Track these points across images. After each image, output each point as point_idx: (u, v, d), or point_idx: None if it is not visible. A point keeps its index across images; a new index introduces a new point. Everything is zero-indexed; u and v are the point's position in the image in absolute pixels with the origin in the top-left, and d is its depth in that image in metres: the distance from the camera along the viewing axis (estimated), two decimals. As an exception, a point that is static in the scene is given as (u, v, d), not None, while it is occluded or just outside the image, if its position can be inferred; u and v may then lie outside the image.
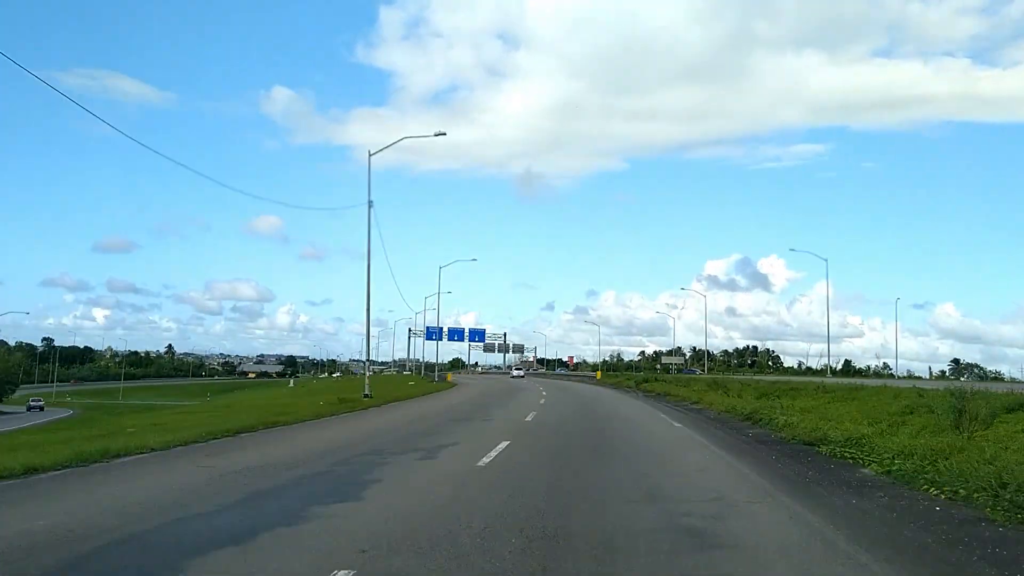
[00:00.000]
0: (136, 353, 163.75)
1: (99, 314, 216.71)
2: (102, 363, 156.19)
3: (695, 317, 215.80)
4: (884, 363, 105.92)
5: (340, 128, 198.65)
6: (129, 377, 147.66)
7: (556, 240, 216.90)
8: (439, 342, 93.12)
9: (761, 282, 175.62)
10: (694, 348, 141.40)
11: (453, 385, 53.23)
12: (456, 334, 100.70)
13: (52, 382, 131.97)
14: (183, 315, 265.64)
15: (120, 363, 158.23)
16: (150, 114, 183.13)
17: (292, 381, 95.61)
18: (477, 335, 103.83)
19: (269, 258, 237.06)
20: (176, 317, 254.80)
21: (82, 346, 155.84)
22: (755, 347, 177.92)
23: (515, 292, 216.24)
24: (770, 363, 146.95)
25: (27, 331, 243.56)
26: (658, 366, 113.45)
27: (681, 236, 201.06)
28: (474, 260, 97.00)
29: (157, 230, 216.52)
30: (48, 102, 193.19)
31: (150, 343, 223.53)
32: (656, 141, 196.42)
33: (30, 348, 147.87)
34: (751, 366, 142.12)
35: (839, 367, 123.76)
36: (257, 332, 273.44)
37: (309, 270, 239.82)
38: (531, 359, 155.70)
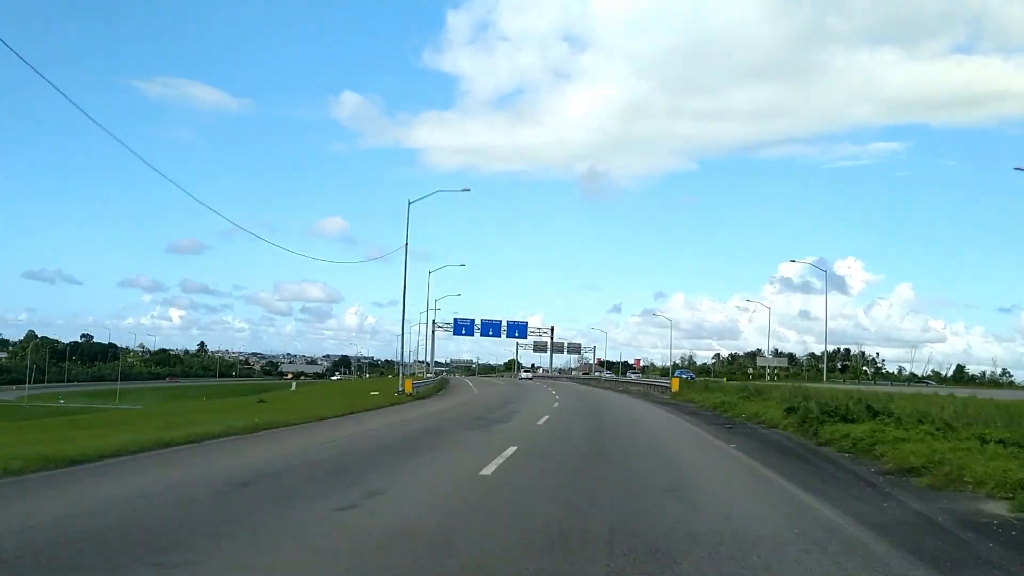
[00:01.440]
0: (165, 351, 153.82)
1: (175, 314, 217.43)
2: (128, 359, 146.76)
3: (767, 320, 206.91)
4: (1003, 369, 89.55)
5: (407, 132, 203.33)
6: (153, 376, 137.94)
7: (623, 242, 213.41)
8: (450, 337, 76.99)
9: (837, 284, 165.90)
10: (776, 350, 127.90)
11: (414, 399, 35.56)
12: (491, 328, 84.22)
13: (65, 381, 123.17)
14: (254, 316, 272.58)
15: (147, 361, 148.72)
16: (225, 120, 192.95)
17: (295, 384, 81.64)
18: (517, 329, 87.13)
19: (336, 259, 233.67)
20: (247, 318, 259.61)
21: (106, 342, 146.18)
22: (846, 350, 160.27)
23: (581, 294, 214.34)
24: (864, 368, 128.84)
25: (108, 331, 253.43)
26: (750, 370, 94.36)
27: (752, 238, 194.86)
28: (462, 266, 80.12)
29: (227, 232, 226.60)
30: (129, 108, 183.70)
31: (225, 342, 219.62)
32: (725, 141, 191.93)
33: (53, 344, 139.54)
34: (842, 371, 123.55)
35: (949, 374, 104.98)
36: (326, 333, 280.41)
37: (374, 271, 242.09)
38: (588, 361, 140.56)
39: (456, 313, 79.86)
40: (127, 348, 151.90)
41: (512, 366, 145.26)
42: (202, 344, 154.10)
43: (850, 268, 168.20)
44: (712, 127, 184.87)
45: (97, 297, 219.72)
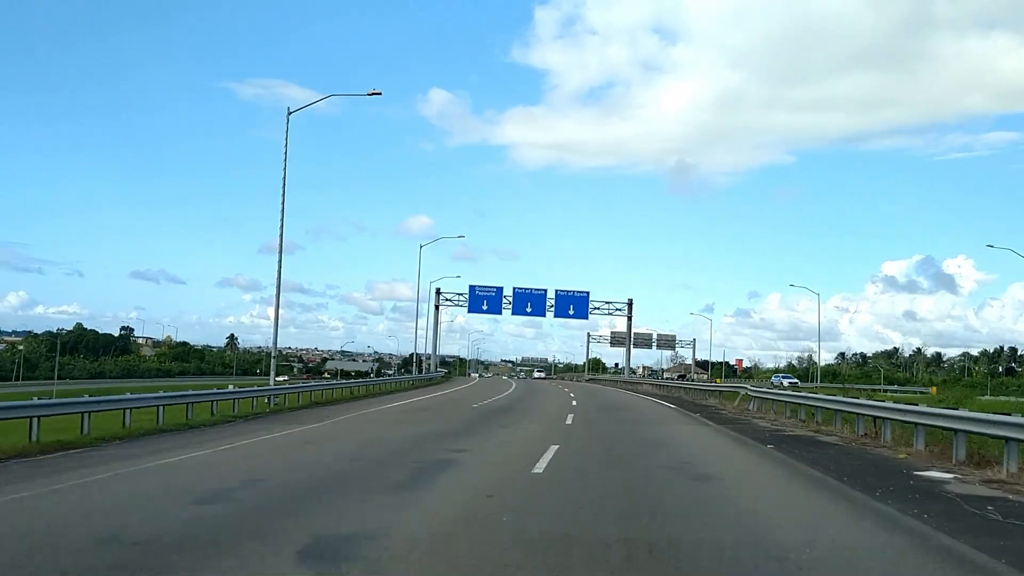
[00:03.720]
0: (186, 344, 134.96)
1: (272, 313, 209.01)
2: (142, 352, 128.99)
3: (869, 320, 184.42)
4: None
5: (495, 129, 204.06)
6: (164, 373, 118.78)
7: (715, 239, 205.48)
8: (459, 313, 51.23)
9: (946, 284, 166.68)
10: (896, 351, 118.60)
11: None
12: (528, 301, 57.99)
13: (54, 378, 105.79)
14: (347, 315, 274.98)
15: (161, 356, 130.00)
16: (315, 119, 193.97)
17: (274, 380, 58.06)
18: (571, 304, 60.52)
19: (424, 258, 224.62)
20: (341, 317, 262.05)
21: (117, 333, 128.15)
22: (1012, 350, 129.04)
23: (672, 293, 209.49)
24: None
25: (211, 329, 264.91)
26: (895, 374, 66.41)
27: (854, 234, 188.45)
28: (461, 237, 54.54)
29: (315, 232, 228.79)
30: (224, 109, 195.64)
31: (321, 342, 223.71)
32: (825, 132, 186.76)
33: (54, 336, 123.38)
34: (1009, 374, 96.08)
35: None
36: (418, 332, 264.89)
37: (461, 270, 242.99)
38: (684, 360, 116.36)
39: (478, 283, 54.34)
40: (147, 338, 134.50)
41: (593, 367, 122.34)
42: (232, 336, 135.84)
43: (960, 267, 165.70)
44: (811, 118, 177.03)
45: (199, 296, 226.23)
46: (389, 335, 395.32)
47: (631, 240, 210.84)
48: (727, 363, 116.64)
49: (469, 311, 59.55)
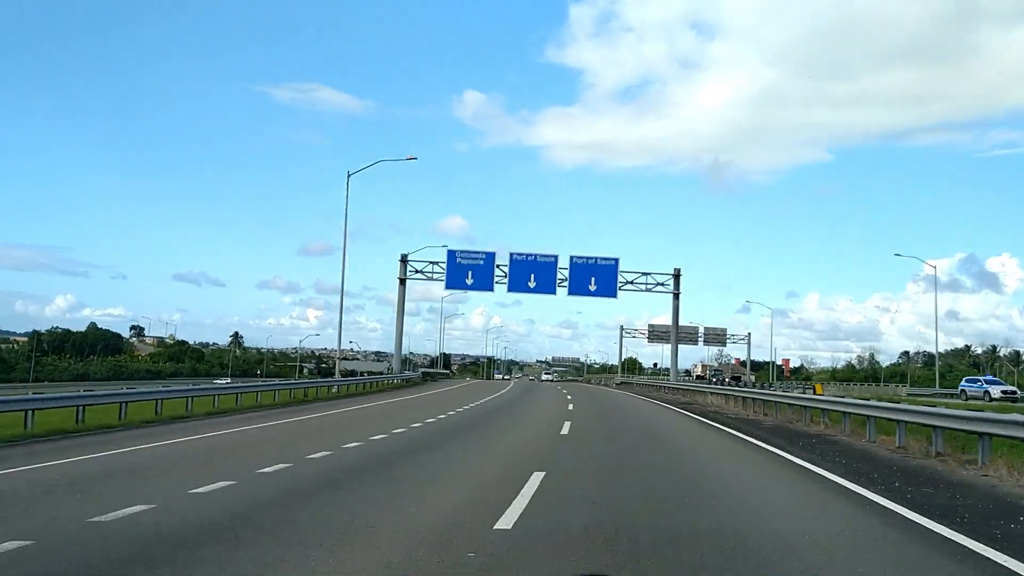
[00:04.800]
0: (184, 343, 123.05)
1: (311, 314, 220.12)
2: (136, 352, 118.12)
3: (911, 321, 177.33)
4: None
5: (530, 129, 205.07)
6: (155, 374, 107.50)
7: (753, 238, 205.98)
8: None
9: (990, 282, 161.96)
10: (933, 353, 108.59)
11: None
12: (532, 272, 42.35)
13: (31, 380, 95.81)
14: (385, 316, 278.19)
15: (155, 356, 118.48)
16: (351, 122, 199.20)
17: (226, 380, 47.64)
18: (593, 275, 44.51)
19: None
20: (379, 318, 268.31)
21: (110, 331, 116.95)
22: None
23: (708, 292, 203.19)
24: None
25: (252, 331, 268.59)
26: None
27: (894, 233, 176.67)
28: (412, 159, 37.79)
29: (352, 233, 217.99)
30: (261, 113, 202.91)
31: (359, 343, 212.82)
32: (866, 129, 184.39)
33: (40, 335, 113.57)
34: None
35: None
36: (454, 333, 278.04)
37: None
38: (730, 359, 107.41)
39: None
40: (156, 338, 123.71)
41: (629, 367, 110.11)
42: (236, 334, 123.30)
43: (1004, 265, 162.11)
44: (851, 114, 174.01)
45: (239, 298, 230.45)
46: (427, 337, 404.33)
47: (667, 239, 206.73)
48: (773, 363, 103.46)
49: (448, 286, 44.36)
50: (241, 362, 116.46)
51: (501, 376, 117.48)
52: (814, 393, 35.94)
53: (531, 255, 43.44)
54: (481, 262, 43.18)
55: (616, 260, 45.49)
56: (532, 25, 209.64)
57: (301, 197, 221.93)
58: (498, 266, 43.94)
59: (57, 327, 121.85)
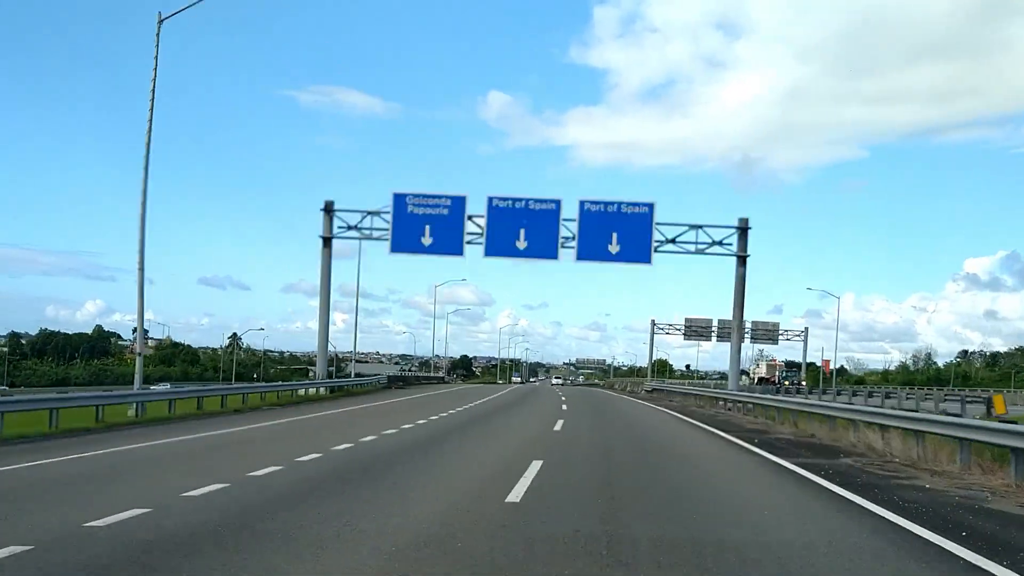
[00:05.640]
0: (177, 345, 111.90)
1: (338, 318, 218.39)
2: (126, 356, 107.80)
3: (949, 320, 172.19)
4: None
5: (555, 130, 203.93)
6: (143, 378, 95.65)
7: (783, 237, 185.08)
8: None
9: None
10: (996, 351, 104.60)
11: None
12: (524, 227, 27.88)
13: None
14: (411, 320, 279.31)
15: (147, 359, 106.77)
16: (375, 124, 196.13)
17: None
18: (615, 230, 29.72)
19: (484, 262, 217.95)
20: (405, 321, 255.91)
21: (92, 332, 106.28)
22: None
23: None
24: None
25: (276, 334, 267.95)
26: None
27: (931, 231, 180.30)
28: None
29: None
30: (285, 116, 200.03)
31: (386, 346, 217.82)
32: (899, 125, 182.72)
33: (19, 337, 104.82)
34: None
35: None
36: (480, 336, 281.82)
37: (524, 273, 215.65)
38: (772, 359, 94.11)
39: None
40: (158, 340, 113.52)
41: (659, 370, 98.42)
42: (234, 335, 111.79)
43: None
44: (883, 111, 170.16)
45: (265, 302, 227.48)
46: (453, 339, 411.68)
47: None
48: (811, 363, 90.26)
49: (395, 248, 30.35)
50: (239, 365, 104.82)
51: (519, 380, 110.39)
52: (994, 410, 21.91)
53: (519, 199, 29.33)
54: (445, 212, 29.08)
55: (650, 206, 30.28)
56: (556, 26, 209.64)
57: (324, 199, 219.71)
58: (471, 218, 29.97)
59: (45, 328, 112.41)
